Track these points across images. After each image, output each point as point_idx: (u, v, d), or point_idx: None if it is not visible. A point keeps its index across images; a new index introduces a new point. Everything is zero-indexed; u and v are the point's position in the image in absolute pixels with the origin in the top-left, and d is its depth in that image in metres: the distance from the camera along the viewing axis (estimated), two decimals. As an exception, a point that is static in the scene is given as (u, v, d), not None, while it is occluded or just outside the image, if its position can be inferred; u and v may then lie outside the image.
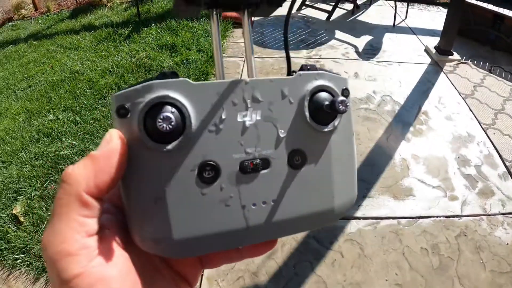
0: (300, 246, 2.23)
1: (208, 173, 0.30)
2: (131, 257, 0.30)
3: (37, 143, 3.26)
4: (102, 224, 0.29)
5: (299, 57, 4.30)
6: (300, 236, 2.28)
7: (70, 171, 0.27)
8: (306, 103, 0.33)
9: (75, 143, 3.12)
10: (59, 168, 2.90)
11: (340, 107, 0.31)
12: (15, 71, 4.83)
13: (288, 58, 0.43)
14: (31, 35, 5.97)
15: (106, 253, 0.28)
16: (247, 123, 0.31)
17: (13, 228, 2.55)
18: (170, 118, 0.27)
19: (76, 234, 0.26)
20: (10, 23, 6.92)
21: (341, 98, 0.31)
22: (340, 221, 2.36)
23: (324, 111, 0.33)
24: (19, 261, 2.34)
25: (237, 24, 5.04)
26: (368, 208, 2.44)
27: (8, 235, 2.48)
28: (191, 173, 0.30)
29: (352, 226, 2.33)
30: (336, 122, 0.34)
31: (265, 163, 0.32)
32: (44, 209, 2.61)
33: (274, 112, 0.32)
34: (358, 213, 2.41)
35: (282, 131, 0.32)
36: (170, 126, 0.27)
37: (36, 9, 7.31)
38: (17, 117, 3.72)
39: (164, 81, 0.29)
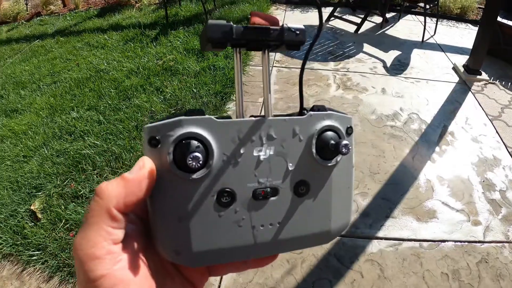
0: (320, 263, 2.19)
1: (225, 198, 0.35)
2: (148, 262, 0.35)
3: (59, 140, 3.27)
4: (126, 232, 0.33)
5: (327, 69, 4.27)
6: (320, 253, 2.24)
7: (104, 187, 0.32)
8: (313, 141, 0.37)
9: (98, 142, 3.13)
10: (80, 167, 2.91)
11: (343, 150, 0.35)
12: (41, 66, 4.88)
13: (301, 97, 0.44)
14: (58, 31, 6.04)
15: (128, 258, 0.32)
16: (262, 157, 0.36)
17: (30, 224, 2.55)
18: (199, 158, 0.32)
19: (104, 241, 0.30)
20: (38, 18, 7.02)
21: (344, 142, 0.35)
22: (362, 240, 2.33)
23: (328, 149, 0.37)
24: (34, 257, 2.34)
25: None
26: (390, 228, 2.40)
27: (24, 231, 2.49)
28: (211, 198, 0.34)
29: (374, 246, 2.28)
30: (338, 158, 0.38)
31: (274, 191, 0.36)
32: (63, 207, 2.61)
33: (285, 148, 0.37)
34: (380, 233, 2.36)
35: (291, 164, 0.37)
36: (199, 165, 0.32)
37: (64, 5, 7.42)
38: (41, 112, 3.75)
39: (192, 118, 0.34)
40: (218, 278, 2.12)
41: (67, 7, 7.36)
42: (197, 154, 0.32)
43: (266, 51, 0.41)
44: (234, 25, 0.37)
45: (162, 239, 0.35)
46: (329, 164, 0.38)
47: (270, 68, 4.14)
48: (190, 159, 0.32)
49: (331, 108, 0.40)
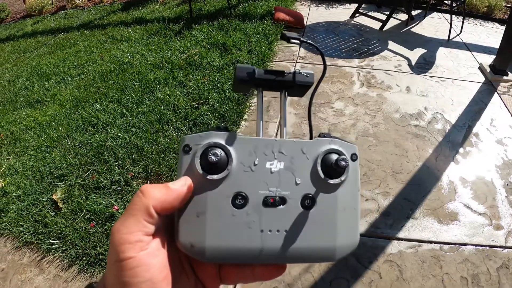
0: (338, 262, 2.18)
1: (239, 200, 0.40)
2: (169, 256, 0.40)
3: (82, 132, 3.32)
4: (156, 229, 0.38)
5: (351, 66, 4.23)
6: (338, 252, 2.23)
7: (149, 188, 0.38)
8: (319, 160, 0.42)
9: (120, 135, 3.16)
10: (102, 158, 2.94)
11: (342, 163, 0.40)
12: (65, 59, 4.96)
13: (310, 127, 0.55)
14: (83, 25, 6.13)
15: (153, 248, 0.37)
16: (273, 169, 0.41)
17: (51, 213, 2.60)
18: (217, 154, 0.39)
19: (138, 231, 0.36)
20: (63, 11, 7.14)
21: (343, 156, 0.41)
22: (382, 240, 2.30)
23: (332, 168, 0.41)
24: (54, 246, 2.39)
25: (289, 27, 5.00)
26: (411, 229, 2.37)
27: (46, 220, 2.54)
28: (227, 199, 0.40)
29: (393, 247, 2.26)
30: (342, 178, 0.42)
31: (283, 201, 0.41)
32: (84, 197, 2.65)
33: (294, 164, 0.42)
34: (400, 234, 2.33)
35: (299, 179, 0.41)
36: (216, 159, 0.39)
37: (89, -1, 7.51)
38: (64, 104, 3.81)
39: (218, 132, 0.42)
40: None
41: (92, 0, 7.47)
42: (216, 151, 0.39)
43: (284, 92, 0.50)
44: (257, 68, 0.48)
45: (181, 232, 0.40)
46: (334, 182, 0.42)
47: (294, 63, 4.13)
48: (210, 154, 0.39)
49: (337, 137, 0.45)
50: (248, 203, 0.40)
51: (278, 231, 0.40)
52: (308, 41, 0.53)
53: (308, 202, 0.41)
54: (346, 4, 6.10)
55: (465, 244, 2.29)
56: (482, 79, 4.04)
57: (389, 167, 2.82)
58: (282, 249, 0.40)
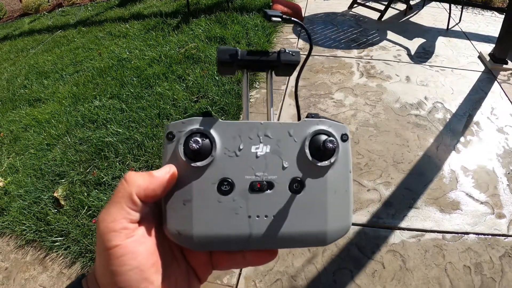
0: (341, 253, 2.18)
1: (225, 187, 0.39)
2: (158, 243, 0.40)
3: (82, 128, 3.32)
4: (142, 216, 0.38)
5: (350, 56, 4.22)
6: (342, 242, 2.23)
7: (132, 175, 0.38)
8: (307, 142, 0.41)
9: (120, 130, 3.16)
10: (103, 154, 2.94)
11: (329, 145, 0.39)
12: (63, 56, 4.95)
13: (297, 108, 0.54)
14: (80, 21, 6.11)
15: (139, 235, 0.37)
16: (258, 154, 0.40)
17: (53, 211, 2.60)
18: (198, 141, 0.38)
19: (122, 218, 0.36)
20: (60, 9, 7.12)
21: (330, 138, 0.40)
22: (384, 230, 2.30)
23: (321, 150, 0.40)
24: (57, 243, 2.40)
25: (286, 20, 4.96)
26: (413, 219, 2.36)
27: (48, 217, 2.55)
28: (212, 185, 0.39)
29: (396, 237, 2.26)
30: (332, 160, 0.41)
31: (270, 185, 0.40)
32: (86, 194, 2.65)
33: (280, 147, 0.41)
34: (403, 224, 2.33)
35: (286, 162, 0.41)
36: (198, 146, 0.38)
37: (86, -5, 7.48)
38: (64, 101, 3.81)
39: (200, 118, 0.41)
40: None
41: (89, -3, 7.43)
42: (197, 138, 0.38)
43: (269, 72, 0.50)
44: (239, 49, 0.47)
45: (168, 220, 0.40)
46: (323, 165, 0.41)
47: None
48: (191, 142, 0.38)
49: (325, 117, 0.43)
50: (234, 189, 0.39)
51: (266, 216, 0.39)
52: (291, 18, 0.52)
53: (296, 186, 0.40)
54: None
55: (467, 233, 2.29)
56: (482, 68, 4.02)
57: (390, 157, 2.82)
58: (271, 235, 0.40)
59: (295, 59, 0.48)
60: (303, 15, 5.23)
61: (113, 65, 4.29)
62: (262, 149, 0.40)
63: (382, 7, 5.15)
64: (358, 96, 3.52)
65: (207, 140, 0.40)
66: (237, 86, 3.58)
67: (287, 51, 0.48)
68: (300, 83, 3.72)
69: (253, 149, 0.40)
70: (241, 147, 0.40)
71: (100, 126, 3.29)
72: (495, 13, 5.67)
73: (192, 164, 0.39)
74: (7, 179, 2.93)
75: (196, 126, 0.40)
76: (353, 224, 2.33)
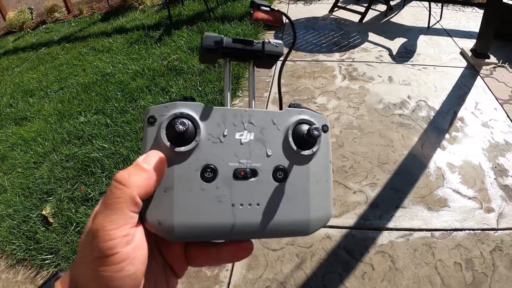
0: (329, 256, 2.18)
1: (208, 174, 0.38)
2: (148, 244, 0.38)
3: (68, 145, 3.30)
4: None
5: (332, 60, 4.24)
6: (329, 246, 2.23)
7: (127, 177, 0.35)
8: (290, 131, 0.41)
9: (106, 145, 3.15)
10: (89, 170, 2.93)
11: (314, 132, 0.39)
12: (48, 73, 4.94)
13: (280, 97, 0.54)
14: (64, 38, 6.10)
15: (138, 240, 0.36)
16: (243, 141, 0.40)
17: (42, 229, 2.59)
18: (185, 123, 0.36)
19: (126, 224, 0.34)
20: (43, 26, 7.10)
21: (315, 126, 0.40)
22: (372, 232, 2.31)
23: (304, 138, 0.41)
24: (47, 261, 2.38)
25: (268, 26, 5.01)
26: (401, 219, 2.37)
27: (37, 236, 2.53)
28: (195, 172, 0.38)
29: (384, 238, 2.26)
30: (314, 149, 0.41)
31: (254, 173, 0.39)
32: (74, 210, 2.64)
33: (264, 135, 0.41)
34: (391, 224, 2.34)
35: (270, 150, 0.40)
36: (184, 128, 0.36)
37: (69, 12, 7.48)
38: (49, 118, 3.79)
39: (184, 102, 0.39)
40: (228, 274, 2.13)
41: (72, 13, 7.43)
42: (184, 120, 0.37)
43: (252, 63, 0.49)
44: (225, 37, 0.46)
45: (148, 210, 0.38)
46: (306, 153, 0.41)
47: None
48: (178, 124, 0.36)
49: (307, 107, 0.44)
50: (217, 176, 0.38)
51: (250, 204, 0.39)
52: (278, 10, 0.54)
53: (280, 174, 0.40)
54: (324, 0, 6.10)
55: (456, 230, 2.30)
56: (464, 63, 4.06)
57: (375, 158, 2.83)
58: (255, 224, 0.39)
59: (279, 51, 0.48)
60: (284, 21, 5.25)
61: (97, 80, 4.28)
62: (246, 136, 0.40)
63: (362, 9, 5.18)
64: (341, 99, 3.53)
65: (191, 125, 0.38)
66: (219, 95, 3.58)
67: (271, 42, 0.48)
68: (283, 89, 3.73)
69: (237, 136, 0.40)
70: (225, 134, 0.39)
71: (85, 142, 3.27)
72: (476, 8, 5.72)
73: (176, 149, 0.37)
74: (-5, 200, 2.92)
75: (179, 110, 0.39)
76: (341, 227, 2.34)
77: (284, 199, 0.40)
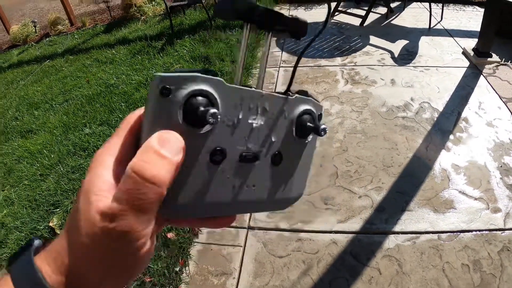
0: (336, 262, 2.18)
1: (217, 156, 0.37)
2: None
3: (74, 157, 3.33)
4: None
5: (334, 64, 4.25)
6: (336, 251, 2.23)
7: (155, 173, 0.31)
8: (294, 120, 0.42)
9: (110, 157, 3.16)
10: (95, 182, 2.94)
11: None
12: (52, 86, 4.97)
13: (291, 80, 0.48)
14: (68, 50, 6.14)
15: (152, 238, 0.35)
16: (254, 125, 0.39)
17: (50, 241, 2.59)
18: (205, 104, 0.34)
19: (153, 220, 0.32)
20: (47, 39, 7.15)
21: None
22: (378, 236, 2.30)
23: (304, 129, 0.42)
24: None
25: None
26: (407, 222, 2.36)
27: (45, 248, 2.54)
28: (206, 154, 0.36)
29: (391, 242, 2.25)
30: (309, 138, 0.44)
31: (257, 157, 0.40)
32: (81, 222, 2.65)
33: (273, 122, 0.41)
34: (397, 228, 2.33)
35: (274, 137, 0.41)
36: (205, 110, 0.33)
37: (72, 24, 7.55)
38: (55, 131, 3.82)
39: (207, 76, 0.35)
40: (235, 282, 2.13)
41: (75, 25, 7.49)
42: (204, 100, 0.34)
43: (270, 34, 0.44)
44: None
45: None
46: (303, 142, 0.43)
47: (277, 68, 4.15)
48: (210, 116, 0.33)
49: (312, 95, 0.45)
50: (225, 159, 0.37)
51: (247, 186, 0.40)
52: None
53: (277, 159, 0.41)
54: (325, 4, 6.11)
55: (463, 231, 2.29)
56: (466, 63, 4.05)
57: (380, 161, 2.82)
58: (249, 203, 0.41)
59: (304, 30, 0.46)
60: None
61: (101, 91, 4.31)
62: (257, 122, 0.39)
63: (363, 13, 5.19)
64: (344, 104, 3.54)
65: (211, 105, 0.35)
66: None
67: (298, 19, 0.45)
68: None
69: (250, 120, 0.39)
70: (240, 117, 0.38)
71: (91, 154, 3.30)
72: (476, 7, 5.71)
73: (191, 130, 0.34)
74: (3, 212, 2.93)
75: (201, 86, 0.35)
76: (347, 232, 2.34)
77: (276, 180, 0.42)
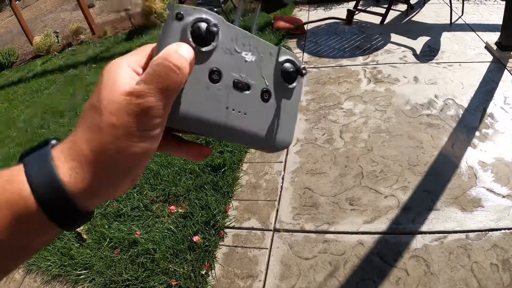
0: (363, 263, 2.16)
1: (215, 76, 0.42)
2: None
3: (99, 163, 3.38)
4: None
5: (356, 64, 4.22)
6: (362, 252, 2.21)
7: (181, 63, 0.36)
8: (280, 64, 0.47)
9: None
10: (121, 187, 2.99)
11: (303, 71, 0.47)
12: (76, 94, 5.07)
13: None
14: (90, 59, 6.25)
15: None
16: (247, 59, 0.44)
17: (76, 245, 2.68)
18: (209, 27, 0.40)
19: (168, 109, 0.37)
20: (69, 48, 7.31)
21: (303, 65, 0.47)
22: (405, 236, 2.28)
23: (289, 74, 0.47)
24: (81, 276, 2.46)
25: (290, 34, 5.05)
26: (434, 221, 2.33)
27: (71, 252, 2.62)
28: (205, 71, 0.41)
29: (418, 242, 2.23)
30: (294, 84, 0.48)
31: (248, 87, 0.44)
32: (107, 226, 2.72)
33: (262, 61, 0.46)
34: (424, 228, 2.30)
35: (263, 74, 0.46)
36: (208, 31, 0.40)
37: (93, 33, 7.69)
38: (81, 138, 3.88)
39: (210, 11, 0.42)
40: (261, 285, 2.14)
41: (96, 34, 7.62)
42: (209, 24, 0.40)
43: (260, 3, 0.58)
44: None
45: None
46: (288, 86, 0.48)
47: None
48: (206, 24, 0.40)
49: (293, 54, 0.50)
50: (221, 81, 0.42)
51: (239, 112, 0.44)
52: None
53: (265, 96, 0.46)
54: (344, 3, 6.07)
55: (491, 230, 2.24)
56: (490, 58, 3.97)
57: (405, 160, 2.79)
58: (240, 129, 0.44)
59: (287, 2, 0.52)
60: (305, 28, 5.26)
61: (124, 99, 4.37)
62: (250, 57, 0.45)
63: (383, 11, 5.13)
64: (368, 103, 3.51)
65: (214, 29, 0.41)
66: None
67: None
68: (308, 96, 3.76)
69: (243, 54, 0.44)
70: (235, 49, 0.44)
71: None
72: (498, 0, 5.59)
73: (197, 47, 0.40)
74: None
75: (205, 16, 0.42)
76: (373, 233, 2.33)
77: (264, 116, 0.46)
